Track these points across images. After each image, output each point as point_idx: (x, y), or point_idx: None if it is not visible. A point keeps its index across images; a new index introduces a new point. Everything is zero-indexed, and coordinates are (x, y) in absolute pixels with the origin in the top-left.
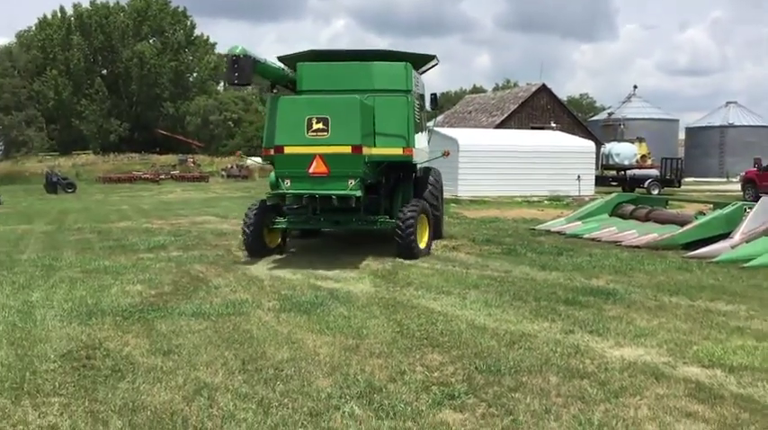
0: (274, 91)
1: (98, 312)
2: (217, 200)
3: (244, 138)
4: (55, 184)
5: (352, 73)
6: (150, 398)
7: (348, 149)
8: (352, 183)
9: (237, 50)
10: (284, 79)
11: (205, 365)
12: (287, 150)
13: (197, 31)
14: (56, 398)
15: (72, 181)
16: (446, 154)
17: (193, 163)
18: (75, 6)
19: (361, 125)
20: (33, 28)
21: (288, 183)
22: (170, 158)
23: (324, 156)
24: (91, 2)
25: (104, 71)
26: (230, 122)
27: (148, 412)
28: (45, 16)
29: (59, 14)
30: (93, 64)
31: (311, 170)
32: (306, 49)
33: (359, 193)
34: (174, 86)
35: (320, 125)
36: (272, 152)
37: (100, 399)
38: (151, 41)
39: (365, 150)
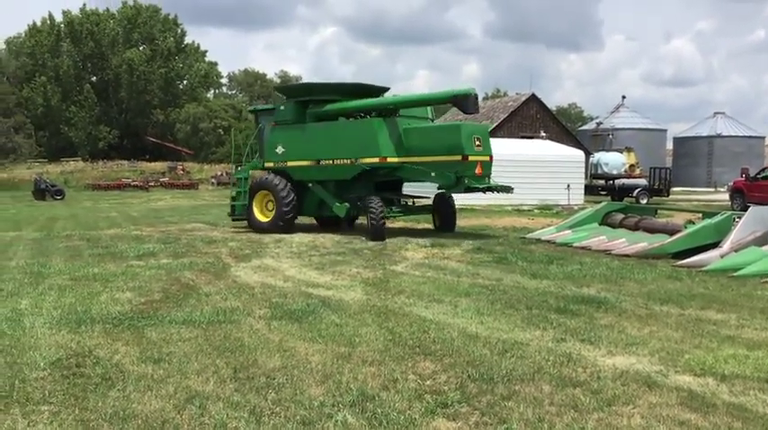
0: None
1: (87, 320)
2: (206, 207)
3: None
4: (43, 191)
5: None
6: (141, 406)
7: (488, 158)
8: (488, 179)
9: (474, 90)
10: None
11: (196, 373)
12: (470, 158)
13: (187, 39)
14: (45, 406)
15: (61, 188)
16: None
17: (183, 170)
18: (65, 13)
19: (489, 143)
20: (23, 34)
21: (467, 180)
22: (159, 166)
23: (481, 163)
24: (81, 9)
25: (94, 78)
26: (220, 130)
27: (139, 421)
28: (34, 23)
29: (49, 21)
30: (82, 71)
31: (477, 171)
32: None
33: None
34: (164, 93)
35: (478, 142)
36: (393, 159)
37: (90, 408)
38: (141, 48)
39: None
